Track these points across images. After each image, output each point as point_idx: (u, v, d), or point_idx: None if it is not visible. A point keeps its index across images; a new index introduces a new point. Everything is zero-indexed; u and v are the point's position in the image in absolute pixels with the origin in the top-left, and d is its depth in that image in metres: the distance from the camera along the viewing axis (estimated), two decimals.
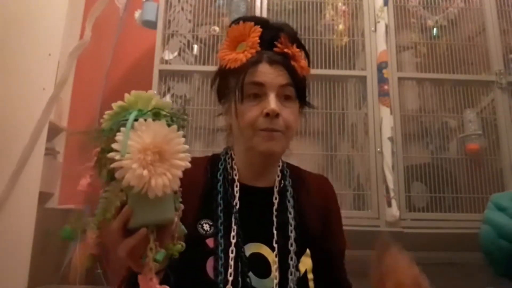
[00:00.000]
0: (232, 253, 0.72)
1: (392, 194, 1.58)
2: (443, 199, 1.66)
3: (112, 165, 0.51)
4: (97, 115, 2.16)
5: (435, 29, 1.86)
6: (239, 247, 0.73)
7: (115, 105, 0.56)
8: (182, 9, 1.80)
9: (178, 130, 0.56)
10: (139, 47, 2.24)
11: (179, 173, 0.54)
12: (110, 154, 0.51)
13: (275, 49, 0.78)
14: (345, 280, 0.85)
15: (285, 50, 0.78)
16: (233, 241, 0.73)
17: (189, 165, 0.55)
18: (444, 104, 1.77)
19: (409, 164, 1.69)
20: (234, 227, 0.74)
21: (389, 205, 1.58)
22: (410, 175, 1.67)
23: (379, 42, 1.74)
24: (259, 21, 0.80)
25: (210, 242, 0.73)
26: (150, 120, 0.53)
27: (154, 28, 1.81)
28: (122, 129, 0.52)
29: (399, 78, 1.75)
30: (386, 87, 1.70)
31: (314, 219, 0.82)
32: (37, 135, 1.72)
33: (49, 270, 1.83)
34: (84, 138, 0.56)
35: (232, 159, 0.82)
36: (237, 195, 0.78)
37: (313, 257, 0.78)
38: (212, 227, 0.75)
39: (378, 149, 1.65)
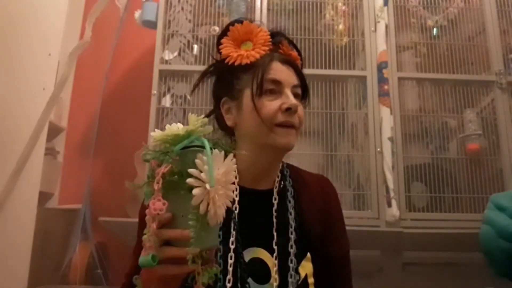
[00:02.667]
0: (231, 259, 0.71)
1: (392, 194, 1.58)
2: (443, 199, 1.66)
3: (196, 193, 0.52)
4: (97, 115, 2.16)
5: (435, 29, 1.85)
6: (238, 253, 0.72)
7: (184, 130, 0.57)
8: (182, 9, 1.80)
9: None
10: (139, 47, 2.24)
11: (230, 204, 0.57)
12: (190, 181, 0.52)
13: (280, 51, 0.81)
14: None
15: (290, 52, 0.82)
16: (232, 246, 0.72)
17: (234, 196, 0.59)
18: (444, 104, 1.77)
19: (409, 164, 1.69)
20: (233, 232, 0.73)
21: (389, 205, 1.58)
22: (410, 175, 1.67)
23: (379, 42, 1.74)
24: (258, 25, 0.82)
25: None
26: (223, 152, 0.56)
27: (154, 28, 1.81)
28: (204, 157, 0.54)
29: (399, 78, 1.75)
30: (386, 87, 1.70)
31: (315, 221, 0.81)
32: (37, 135, 1.72)
33: (49, 270, 1.83)
34: (154, 159, 0.57)
35: None
36: (237, 199, 0.76)
37: (313, 261, 0.77)
38: None
39: (378, 149, 1.65)
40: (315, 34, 1.79)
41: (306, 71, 1.87)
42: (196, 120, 0.57)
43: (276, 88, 0.76)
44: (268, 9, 1.78)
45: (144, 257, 0.52)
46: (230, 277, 0.69)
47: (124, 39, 2.25)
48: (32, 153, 1.71)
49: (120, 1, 2.15)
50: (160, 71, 1.73)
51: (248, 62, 0.77)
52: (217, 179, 0.54)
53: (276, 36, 0.82)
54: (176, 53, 1.77)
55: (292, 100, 0.75)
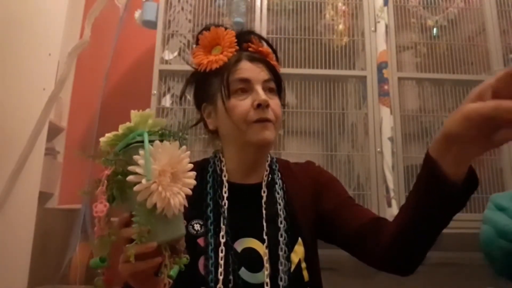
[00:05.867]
0: (221, 252, 0.73)
1: (392, 194, 1.58)
2: None
3: (137, 188, 0.51)
4: (97, 115, 2.16)
5: (435, 29, 1.85)
6: (228, 245, 0.74)
7: (123, 127, 0.57)
8: (182, 9, 1.80)
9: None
10: (139, 47, 2.24)
11: (190, 192, 0.56)
12: (130, 178, 0.52)
13: (250, 49, 0.84)
14: (371, 214, 0.80)
15: (260, 49, 0.84)
16: (222, 240, 0.74)
17: (195, 182, 0.57)
18: (444, 104, 1.77)
19: (409, 164, 1.69)
20: (222, 226, 0.75)
21: (389, 205, 1.58)
22: (410, 175, 1.67)
23: (379, 42, 1.74)
24: (226, 27, 0.84)
25: (201, 241, 0.76)
26: (166, 142, 0.55)
27: (154, 28, 1.80)
28: (141, 152, 0.53)
29: (399, 78, 1.75)
30: (386, 87, 1.70)
31: (305, 204, 0.82)
32: (37, 135, 1.72)
33: (49, 270, 1.83)
34: (97, 160, 0.56)
35: (221, 162, 0.84)
36: (226, 195, 0.79)
37: (305, 244, 0.79)
38: (202, 226, 0.77)
39: (378, 149, 1.65)
40: (315, 34, 1.79)
41: (306, 71, 1.87)
42: (136, 116, 0.57)
43: (246, 87, 0.78)
44: (268, 9, 1.78)
45: (93, 259, 0.53)
46: (222, 270, 0.72)
47: (124, 39, 2.24)
48: (32, 153, 1.71)
49: (120, 1, 2.14)
50: (160, 71, 1.73)
51: (218, 66, 0.80)
52: (163, 170, 0.53)
53: (245, 35, 0.85)
54: (176, 53, 1.77)
55: (261, 95, 0.77)
